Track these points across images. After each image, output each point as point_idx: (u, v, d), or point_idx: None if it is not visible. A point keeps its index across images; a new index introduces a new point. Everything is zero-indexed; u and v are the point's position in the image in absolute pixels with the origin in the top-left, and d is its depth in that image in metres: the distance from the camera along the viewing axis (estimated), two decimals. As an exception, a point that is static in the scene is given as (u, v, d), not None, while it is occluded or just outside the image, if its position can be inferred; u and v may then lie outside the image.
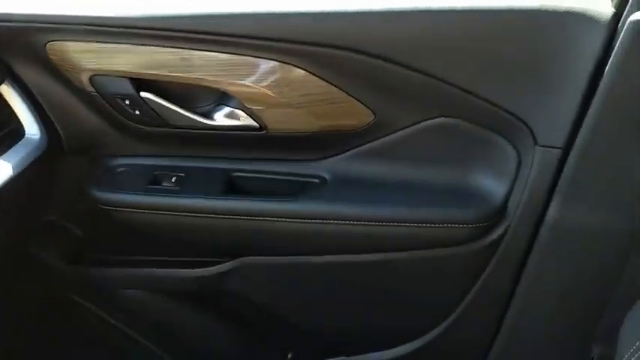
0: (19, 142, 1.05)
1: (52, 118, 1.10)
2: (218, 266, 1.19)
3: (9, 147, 1.02)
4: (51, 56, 1.02)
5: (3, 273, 1.22)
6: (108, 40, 1.01)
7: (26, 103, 1.07)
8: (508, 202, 1.07)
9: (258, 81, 1.02)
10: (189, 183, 1.14)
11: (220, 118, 1.08)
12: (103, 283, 1.27)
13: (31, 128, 1.07)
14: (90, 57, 1.02)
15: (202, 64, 1.01)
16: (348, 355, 1.34)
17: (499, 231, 1.08)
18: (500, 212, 1.08)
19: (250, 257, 1.17)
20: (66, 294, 1.30)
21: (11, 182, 1.00)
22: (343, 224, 1.09)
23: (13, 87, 1.06)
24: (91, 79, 1.04)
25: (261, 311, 1.27)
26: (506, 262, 1.12)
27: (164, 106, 1.05)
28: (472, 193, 1.09)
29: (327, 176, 1.13)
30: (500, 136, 1.05)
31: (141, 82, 1.05)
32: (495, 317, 1.20)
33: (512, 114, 0.99)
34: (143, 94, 1.04)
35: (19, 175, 1.01)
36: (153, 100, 1.05)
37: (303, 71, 0.99)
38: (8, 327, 1.30)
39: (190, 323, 1.32)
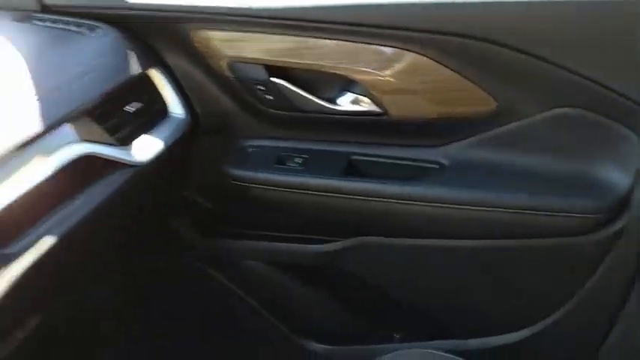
0: (165, 121, 1.17)
1: (193, 101, 1.21)
2: (336, 243, 1.25)
3: (156, 125, 1.14)
4: (195, 44, 1.13)
5: (145, 244, 1.36)
6: (245, 30, 1.10)
7: (171, 86, 1.18)
8: (632, 194, 1.05)
9: (381, 68, 1.07)
10: (313, 164, 1.21)
11: (344, 103, 1.14)
12: (230, 254, 1.38)
13: (175, 109, 1.19)
14: (229, 45, 1.12)
15: (329, 53, 1.08)
16: (455, 339, 1.37)
17: (621, 223, 1.06)
18: (623, 204, 1.06)
19: (368, 237, 1.23)
20: (197, 265, 1.42)
21: (157, 158, 1.11)
22: (462, 209, 1.12)
23: (161, 71, 1.18)
24: (229, 65, 1.13)
25: (372, 290, 1.32)
26: (627, 256, 1.09)
27: (294, 91, 1.13)
28: (594, 183, 1.08)
29: (445, 162, 1.16)
30: (625, 127, 1.03)
31: (274, 69, 1.13)
32: (610, 312, 1.18)
33: (638, 104, 0.98)
34: (275, 80, 1.12)
35: (164, 152, 1.12)
36: (284, 86, 1.12)
37: (425, 58, 1.03)
38: (141, 293, 1.44)
39: (305, 297, 1.40)
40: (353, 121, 1.16)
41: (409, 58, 1.04)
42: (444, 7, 0.98)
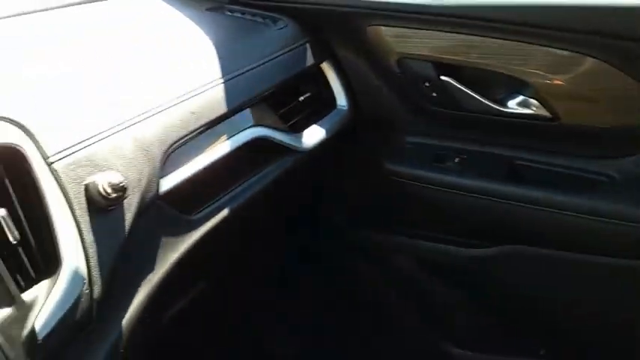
0: (331, 112, 1.22)
1: (358, 94, 1.25)
2: (491, 249, 1.23)
3: (323, 115, 1.20)
4: (368, 39, 1.16)
5: (299, 226, 1.43)
6: (416, 26, 1.11)
7: (339, 79, 1.23)
8: None
9: (555, 72, 1.03)
10: (472, 165, 1.20)
11: (512, 105, 1.11)
12: (379, 247, 1.41)
13: (341, 101, 1.24)
14: (400, 41, 1.14)
15: (498, 52, 1.06)
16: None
17: None
18: None
19: (522, 246, 1.19)
20: (345, 253, 1.47)
21: (322, 146, 1.17)
22: (630, 226, 1.05)
23: (331, 64, 1.23)
24: (399, 61, 1.15)
25: (521, 300, 1.28)
26: None
27: (462, 90, 1.12)
28: None
29: (617, 176, 1.09)
30: None
31: (442, 67, 1.13)
32: None
33: None
34: (444, 78, 1.13)
35: (328, 141, 1.18)
36: (452, 84, 1.12)
37: (605, 64, 0.97)
38: (290, 271, 1.51)
39: (449, 299, 1.39)
40: (519, 125, 1.13)
41: (587, 63, 0.99)
42: (628, 11, 0.93)
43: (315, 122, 1.17)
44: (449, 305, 1.41)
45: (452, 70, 1.13)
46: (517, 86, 1.10)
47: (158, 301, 0.88)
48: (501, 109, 1.11)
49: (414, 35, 1.12)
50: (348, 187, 1.40)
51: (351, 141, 1.29)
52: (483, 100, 1.11)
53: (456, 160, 1.22)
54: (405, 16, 1.10)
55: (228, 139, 1.01)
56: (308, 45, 1.18)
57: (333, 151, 1.24)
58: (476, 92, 1.12)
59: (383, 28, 1.14)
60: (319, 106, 1.21)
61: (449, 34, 1.09)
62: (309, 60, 1.18)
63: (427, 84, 1.15)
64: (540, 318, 1.30)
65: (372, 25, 1.14)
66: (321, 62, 1.21)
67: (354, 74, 1.24)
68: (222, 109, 0.99)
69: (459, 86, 1.12)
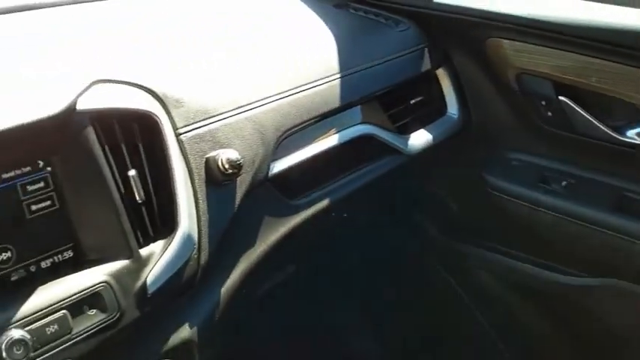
0: (441, 119, 1.22)
1: (470, 104, 1.24)
2: (590, 279, 1.18)
3: (432, 121, 1.21)
4: (487, 51, 1.15)
5: (389, 228, 1.44)
6: (540, 43, 1.09)
7: (453, 87, 1.23)
8: None
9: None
10: (579, 191, 1.16)
11: (630, 135, 1.07)
12: (466, 259, 1.39)
13: (452, 109, 1.24)
14: (521, 56, 1.12)
15: (622, 79, 1.01)
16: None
17: None
18: None
19: (623, 281, 1.14)
20: (429, 260, 1.46)
21: (425, 152, 1.17)
22: None
23: (447, 72, 1.23)
24: (517, 76, 1.14)
25: (612, 337, 1.23)
26: None
27: (579, 113, 1.09)
28: None
29: None
30: None
31: (560, 86, 1.10)
32: None
33: None
34: (562, 98, 1.10)
35: (434, 146, 1.18)
36: (569, 106, 1.09)
37: None
38: (373, 266, 1.52)
39: (532, 324, 1.36)
40: (633, 155, 1.09)
41: None
42: None
43: (423, 127, 1.18)
44: (531, 330, 1.37)
45: (571, 90, 1.10)
46: (637, 116, 1.06)
47: (253, 278, 0.93)
48: (618, 137, 1.07)
49: (535, 51, 1.10)
50: (445, 195, 1.39)
51: (455, 150, 1.29)
52: (600, 126, 1.08)
53: (563, 183, 1.19)
54: (528, 31, 1.08)
55: (337, 132, 1.04)
56: (426, 50, 1.19)
57: (436, 157, 1.24)
58: (593, 116, 1.08)
59: (504, 41, 1.13)
60: (429, 112, 1.22)
61: (571, 53, 1.06)
62: (426, 65, 1.19)
63: (544, 102, 1.13)
64: (633, 358, 1.24)
65: (493, 37, 1.13)
66: (437, 68, 1.22)
67: (469, 84, 1.24)
68: (335, 103, 1.03)
69: (577, 108, 1.09)
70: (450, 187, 1.40)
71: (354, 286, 1.50)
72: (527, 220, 1.22)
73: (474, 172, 1.29)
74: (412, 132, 1.16)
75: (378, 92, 1.09)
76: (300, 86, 0.99)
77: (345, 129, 1.05)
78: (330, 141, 1.03)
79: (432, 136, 1.18)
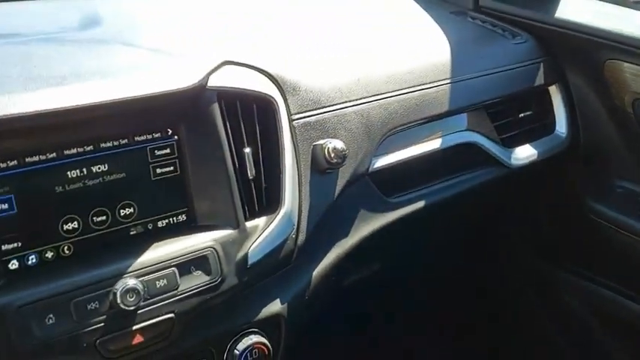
0: (548, 136, 1.20)
1: (580, 125, 1.21)
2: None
3: (539, 137, 1.19)
4: (605, 72, 1.12)
5: (480, 242, 1.43)
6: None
7: (564, 106, 1.21)
8: None
9: None
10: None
11: None
12: (554, 282, 1.36)
13: (561, 127, 1.21)
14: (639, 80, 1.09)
15: None
16: None
17: None
18: None
19: None
20: (516, 277, 1.44)
21: (527, 168, 1.16)
22: None
23: (559, 89, 1.21)
24: (634, 102, 1.10)
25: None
26: None
27: None
28: None
29: None
30: None
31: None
32: None
33: None
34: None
35: (537, 164, 1.16)
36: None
37: None
38: (454, 275, 1.52)
39: (612, 354, 1.31)
40: None
41: None
42: None
43: (528, 142, 1.17)
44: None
45: None
46: None
47: (343, 267, 0.96)
48: None
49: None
50: (541, 214, 1.37)
51: (558, 170, 1.26)
52: None
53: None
54: None
55: (440, 136, 1.05)
56: (542, 65, 1.18)
57: (537, 175, 1.22)
58: None
59: (624, 64, 1.09)
60: (536, 128, 1.20)
61: None
62: (539, 80, 1.17)
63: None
64: None
65: (612, 59, 1.10)
66: (550, 85, 1.20)
67: (582, 104, 1.21)
68: (443, 107, 1.04)
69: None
70: (547, 207, 1.37)
71: (433, 293, 1.50)
72: (624, 250, 1.17)
73: (576, 194, 1.26)
74: (517, 146, 1.15)
75: (487, 102, 1.09)
76: (410, 87, 1.01)
77: (449, 134, 1.06)
78: (432, 144, 1.04)
79: (537, 153, 1.16)
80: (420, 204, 1.04)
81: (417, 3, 1.27)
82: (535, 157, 1.16)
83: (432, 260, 1.41)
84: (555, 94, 1.21)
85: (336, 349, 1.44)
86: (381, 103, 0.98)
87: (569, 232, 1.32)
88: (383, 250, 1.18)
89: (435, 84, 1.04)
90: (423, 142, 1.03)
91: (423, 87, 1.03)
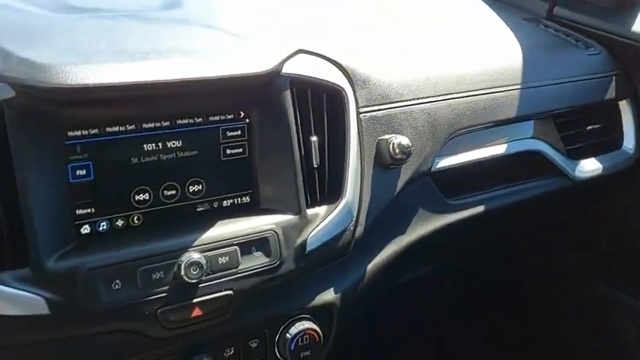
0: (615, 151, 1.17)
1: None
2: None
3: (605, 151, 1.16)
4: None
5: (529, 253, 1.41)
6: None
7: (634, 122, 1.18)
8: None
9: None
10: None
11: None
12: (605, 300, 1.32)
13: (629, 143, 1.18)
14: None
15: None
16: None
17: None
18: None
19: None
20: (569, 294, 1.41)
21: (593, 180, 1.13)
22: None
23: (630, 105, 1.18)
24: None
25: None
26: None
27: None
28: None
29: None
30: None
31: None
32: None
33: None
34: None
35: (602, 178, 1.13)
36: None
37: None
38: (508, 287, 1.49)
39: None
40: None
41: None
42: None
43: (594, 156, 1.14)
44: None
45: None
46: None
47: (397, 265, 0.96)
48: None
49: None
50: (600, 230, 1.33)
51: (621, 186, 1.23)
52: None
53: None
54: None
55: (506, 142, 1.04)
56: (614, 78, 1.15)
57: (600, 189, 1.19)
58: None
59: None
60: (604, 142, 1.17)
61: None
62: (610, 93, 1.14)
63: None
64: None
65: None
66: (622, 99, 1.17)
67: None
68: (511, 113, 1.02)
69: None
70: (606, 223, 1.33)
71: (481, 300, 1.48)
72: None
73: (637, 212, 1.22)
74: (582, 158, 1.13)
75: (555, 111, 1.08)
76: (480, 89, 1.00)
77: (514, 140, 1.05)
78: (497, 149, 1.03)
79: (602, 167, 1.13)
80: (480, 208, 1.03)
81: (490, 7, 1.26)
82: (600, 171, 1.13)
83: (483, 266, 1.39)
84: (625, 109, 1.17)
85: (378, 343, 1.44)
86: (449, 103, 0.97)
87: (625, 250, 1.29)
88: (437, 251, 1.18)
89: (505, 88, 1.03)
90: (487, 146, 1.02)
91: (493, 90, 1.02)
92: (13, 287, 0.63)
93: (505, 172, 1.07)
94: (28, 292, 0.64)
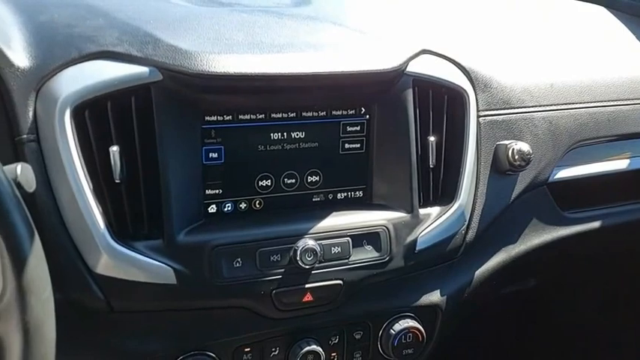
0: None
1: None
2: None
3: None
4: None
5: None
6: None
7: None
8: None
9: None
10: None
11: None
12: None
13: None
14: None
15: None
16: None
17: None
18: None
19: None
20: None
21: None
22: None
23: None
24: None
25: None
26: None
27: None
28: None
29: None
30: None
31: None
32: None
33: None
34: None
35: None
36: None
37: None
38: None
39: None
40: None
41: None
42: None
43: None
44: None
45: None
46: None
47: (505, 274, 0.95)
48: None
49: None
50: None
51: None
52: None
53: None
54: None
55: (629, 157, 1.00)
56: None
57: None
58: None
59: None
60: None
61: None
62: None
63: None
64: None
65: None
66: None
67: None
68: (637, 127, 0.98)
69: None
70: None
71: (578, 322, 1.41)
72: None
73: None
74: None
75: None
76: (604, 101, 0.97)
77: (637, 157, 1.00)
78: (618, 164, 0.99)
79: None
80: (596, 224, 0.98)
81: (617, 18, 1.20)
82: None
83: (590, 286, 1.33)
84: None
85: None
86: (572, 113, 0.94)
87: None
88: (546, 266, 1.14)
89: (631, 102, 0.98)
90: (608, 160, 0.99)
91: (618, 103, 0.98)
92: (147, 256, 0.68)
93: (626, 188, 1.02)
94: (159, 262, 0.68)
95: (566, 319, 1.38)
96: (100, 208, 0.68)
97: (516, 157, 0.85)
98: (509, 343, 1.38)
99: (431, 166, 0.83)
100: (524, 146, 0.86)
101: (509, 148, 0.86)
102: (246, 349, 0.78)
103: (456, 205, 0.83)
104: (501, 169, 0.87)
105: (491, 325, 1.29)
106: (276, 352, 0.79)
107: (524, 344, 1.41)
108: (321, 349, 0.80)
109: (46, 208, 0.68)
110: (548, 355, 1.44)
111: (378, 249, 0.78)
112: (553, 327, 1.37)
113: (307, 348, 0.79)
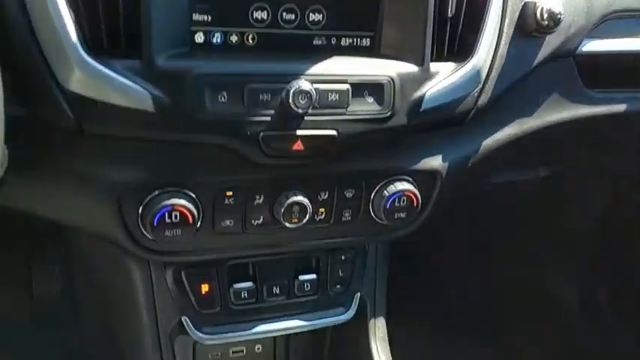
0: None
1: None
2: None
3: None
4: None
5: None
6: None
7: None
8: None
9: None
10: None
11: None
12: None
13: None
14: None
15: None
16: None
17: None
18: None
19: None
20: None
21: None
22: None
23: None
24: None
25: None
26: None
27: None
28: None
29: None
30: None
31: None
32: None
33: None
34: None
35: None
36: None
37: None
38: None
39: None
40: None
41: None
42: None
43: None
44: None
45: None
46: None
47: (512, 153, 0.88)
48: None
49: None
50: None
51: None
52: None
53: None
54: None
55: None
56: None
57: None
58: None
59: None
60: None
61: None
62: None
63: None
64: None
65: None
66: None
67: None
68: None
69: None
70: None
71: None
72: None
73: None
74: None
75: None
76: None
77: None
78: None
79: None
80: (621, 107, 0.90)
81: None
82: None
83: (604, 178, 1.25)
84: None
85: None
86: None
87: None
88: (561, 152, 1.07)
89: None
90: (643, 38, 0.89)
91: None
92: (123, 76, 0.62)
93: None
94: (136, 84, 0.62)
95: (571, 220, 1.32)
96: (74, 16, 0.60)
97: (545, 16, 0.76)
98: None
99: (449, 15, 0.73)
100: (556, 5, 0.76)
101: (538, 7, 0.76)
102: (227, 193, 0.73)
103: (471, 63, 0.74)
104: (527, 29, 0.78)
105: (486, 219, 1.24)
106: (260, 201, 0.74)
107: (514, 244, 1.36)
108: (308, 202, 0.75)
109: (13, 14, 0.61)
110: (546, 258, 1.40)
111: (380, 102, 0.71)
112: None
113: (294, 198, 0.74)
